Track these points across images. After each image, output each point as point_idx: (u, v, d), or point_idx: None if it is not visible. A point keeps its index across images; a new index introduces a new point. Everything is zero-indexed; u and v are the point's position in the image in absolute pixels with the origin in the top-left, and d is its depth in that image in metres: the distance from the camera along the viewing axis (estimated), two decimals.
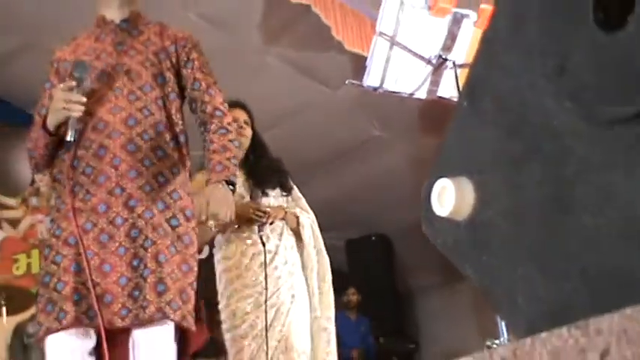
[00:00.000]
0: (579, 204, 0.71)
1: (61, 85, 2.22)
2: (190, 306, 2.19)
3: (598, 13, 0.69)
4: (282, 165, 3.35)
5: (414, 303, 8.36)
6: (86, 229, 2.18)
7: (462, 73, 3.03)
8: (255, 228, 3.12)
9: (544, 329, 0.62)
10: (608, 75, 0.67)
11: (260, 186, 3.20)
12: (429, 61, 3.05)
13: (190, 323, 2.18)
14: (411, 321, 8.21)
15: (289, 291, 3.09)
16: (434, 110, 4.69)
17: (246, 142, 3.29)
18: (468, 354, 0.70)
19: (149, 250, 2.16)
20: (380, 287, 7.62)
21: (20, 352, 4.87)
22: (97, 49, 2.37)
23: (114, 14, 2.40)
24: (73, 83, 2.19)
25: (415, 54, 3.01)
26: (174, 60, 2.38)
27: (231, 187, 2.25)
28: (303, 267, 3.21)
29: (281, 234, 3.17)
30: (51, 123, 2.24)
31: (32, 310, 4.59)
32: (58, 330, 2.13)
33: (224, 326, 3.13)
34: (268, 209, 3.13)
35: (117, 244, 2.16)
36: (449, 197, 0.82)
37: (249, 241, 3.13)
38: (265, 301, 2.99)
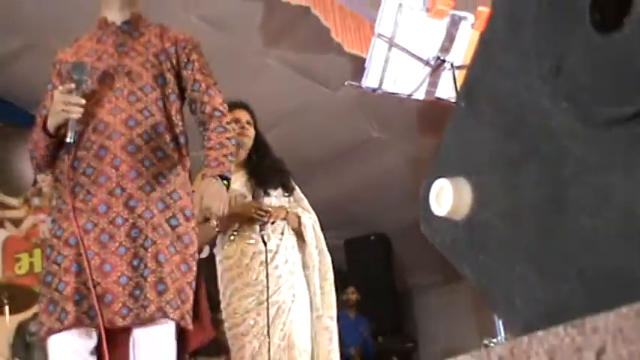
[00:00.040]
0: (576, 205, 0.71)
1: (60, 88, 2.23)
2: (189, 305, 2.19)
3: (594, 15, 0.69)
4: (284, 165, 3.34)
5: (412, 302, 8.36)
6: (87, 229, 2.18)
7: (460, 75, 3.03)
8: (257, 227, 3.11)
9: (541, 328, 0.62)
10: (605, 76, 0.67)
11: (262, 186, 3.20)
12: (427, 63, 3.05)
13: (188, 322, 2.19)
14: (410, 320, 8.22)
15: (290, 290, 3.09)
16: (432, 111, 4.69)
17: (249, 142, 3.29)
18: (466, 353, 0.70)
19: (149, 249, 2.16)
20: (379, 286, 7.62)
21: (22, 351, 4.87)
22: (98, 51, 2.37)
23: (115, 16, 2.41)
24: (72, 86, 2.20)
25: (413, 55, 3.01)
26: (174, 61, 2.38)
27: (225, 182, 2.25)
28: (305, 266, 3.21)
29: (282, 233, 3.17)
30: (51, 125, 2.24)
31: (35, 309, 4.59)
32: (60, 330, 2.13)
33: (226, 325, 3.14)
34: (270, 209, 3.13)
35: (117, 243, 2.16)
36: (447, 197, 0.82)
37: (250, 241, 3.13)
38: (267, 299, 2.99)
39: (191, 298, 2.21)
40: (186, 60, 2.39)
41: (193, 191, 2.36)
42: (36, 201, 6.32)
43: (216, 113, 2.35)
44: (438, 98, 3.15)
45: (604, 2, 0.69)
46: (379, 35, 2.95)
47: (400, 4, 2.92)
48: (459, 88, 2.93)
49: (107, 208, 2.19)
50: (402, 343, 7.63)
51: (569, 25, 0.71)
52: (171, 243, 2.20)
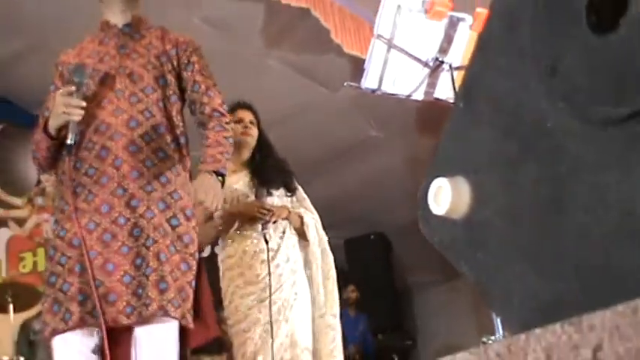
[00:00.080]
0: (573, 203, 0.71)
1: (61, 90, 2.23)
2: (189, 304, 2.20)
3: (591, 16, 0.69)
4: (287, 165, 3.34)
5: (412, 300, 8.36)
6: (89, 229, 2.18)
7: (459, 75, 3.03)
8: (259, 226, 3.11)
9: (538, 325, 0.62)
10: (601, 77, 0.67)
11: (265, 185, 3.20)
12: (425, 64, 3.05)
13: (189, 321, 2.19)
14: (409, 318, 8.22)
15: (292, 288, 3.09)
16: (431, 111, 4.69)
17: (252, 141, 3.29)
18: (465, 350, 0.70)
19: (151, 248, 2.16)
20: (378, 285, 7.62)
21: (26, 349, 4.87)
22: (100, 52, 2.38)
23: (117, 19, 2.41)
24: (73, 88, 2.20)
25: (412, 56, 3.01)
26: (175, 63, 2.39)
27: (220, 178, 2.25)
28: (308, 265, 3.20)
29: (283, 233, 3.16)
30: (52, 126, 2.25)
31: (38, 307, 4.59)
32: (64, 331, 2.14)
33: (229, 322, 3.14)
34: (272, 208, 3.13)
35: (120, 243, 2.17)
36: (445, 196, 0.82)
37: (251, 240, 3.12)
38: (270, 296, 2.99)
39: (191, 296, 2.21)
40: (186, 62, 2.39)
41: None
42: (39, 201, 6.32)
43: (216, 114, 2.36)
44: (437, 99, 3.15)
45: (600, 4, 0.69)
46: (378, 36, 2.95)
47: (399, 6, 2.92)
48: (457, 89, 2.93)
49: (109, 208, 2.19)
50: (401, 341, 7.63)
51: (565, 26, 0.71)
52: (171, 242, 2.20)
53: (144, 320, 2.14)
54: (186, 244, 2.25)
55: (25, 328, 5.03)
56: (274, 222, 3.12)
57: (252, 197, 3.19)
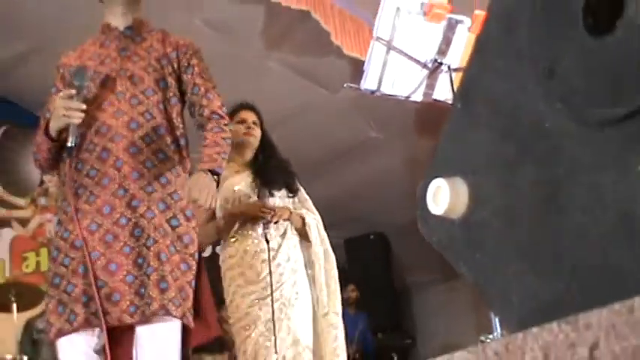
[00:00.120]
0: (570, 203, 0.71)
1: (61, 94, 2.24)
2: (189, 303, 2.20)
3: (587, 19, 0.69)
4: (289, 166, 3.34)
5: (411, 299, 8.36)
6: (91, 230, 2.19)
7: (457, 77, 3.03)
8: (260, 226, 3.11)
9: (535, 324, 0.62)
10: (597, 78, 0.67)
11: (266, 186, 3.19)
12: (424, 65, 3.05)
13: (190, 320, 2.20)
14: (408, 317, 8.22)
15: (293, 287, 3.08)
16: (429, 112, 4.68)
17: (255, 141, 3.29)
18: (463, 349, 0.70)
19: (151, 248, 2.17)
20: (378, 284, 7.62)
21: (30, 347, 4.87)
22: (101, 55, 2.38)
23: (118, 22, 2.42)
24: (73, 92, 2.21)
25: (411, 58, 3.01)
26: (175, 66, 2.39)
27: (215, 177, 2.25)
28: (310, 265, 3.20)
29: (284, 233, 3.16)
30: (52, 129, 2.25)
31: (41, 307, 4.59)
32: (69, 332, 2.15)
33: (230, 321, 3.14)
34: (274, 208, 3.13)
35: (122, 243, 2.17)
36: (444, 197, 0.82)
37: (252, 239, 3.12)
38: (271, 293, 2.99)
39: (191, 296, 2.22)
40: (186, 64, 2.40)
41: None
42: (42, 201, 6.32)
43: (214, 116, 2.36)
44: (436, 100, 3.15)
45: (597, 6, 0.69)
46: (378, 38, 2.95)
47: (398, 8, 2.92)
48: (455, 90, 2.93)
49: (111, 209, 2.20)
50: (400, 340, 7.62)
51: (562, 28, 0.71)
52: (171, 243, 2.21)
53: (146, 319, 2.14)
54: (186, 244, 2.25)
55: (28, 327, 5.04)
56: (275, 222, 3.12)
57: (254, 198, 3.18)
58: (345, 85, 3.26)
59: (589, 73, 0.68)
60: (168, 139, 2.32)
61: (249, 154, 3.28)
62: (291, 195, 3.27)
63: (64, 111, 2.19)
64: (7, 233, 6.13)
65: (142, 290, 2.13)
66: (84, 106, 2.20)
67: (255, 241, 3.11)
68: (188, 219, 2.28)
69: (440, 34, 3.02)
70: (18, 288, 4.54)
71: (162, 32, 2.46)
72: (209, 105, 2.37)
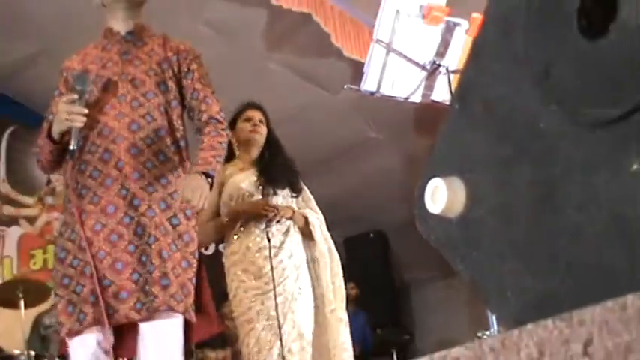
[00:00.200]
0: (565, 202, 0.71)
1: (64, 98, 2.24)
2: (191, 299, 2.22)
3: (581, 21, 0.69)
4: (294, 165, 3.33)
5: (409, 296, 8.36)
6: (96, 230, 2.20)
7: (455, 78, 3.03)
8: (262, 224, 3.11)
9: (531, 321, 0.62)
10: (591, 80, 0.67)
11: (270, 185, 3.19)
12: (423, 67, 3.04)
13: (192, 315, 2.21)
14: (407, 313, 8.22)
15: (296, 282, 3.08)
16: (428, 113, 4.68)
17: (261, 139, 3.28)
18: (460, 344, 0.70)
19: (153, 246, 2.18)
20: (377, 282, 7.62)
21: (38, 343, 4.87)
22: (103, 59, 2.39)
23: (120, 26, 2.43)
24: (75, 96, 2.21)
25: (410, 60, 3.01)
26: (175, 70, 2.40)
27: (209, 180, 2.25)
28: (315, 263, 3.19)
29: (287, 231, 3.16)
30: (55, 132, 2.26)
31: (49, 303, 4.60)
32: (79, 331, 2.16)
33: (234, 315, 3.14)
34: (277, 207, 3.12)
35: (126, 242, 2.18)
36: (441, 196, 0.82)
37: (254, 236, 3.12)
38: (273, 288, 2.98)
39: (192, 292, 2.23)
40: (186, 69, 2.40)
41: None
42: (50, 200, 6.33)
43: (212, 121, 2.37)
44: (434, 101, 3.15)
45: (591, 9, 0.69)
46: (377, 41, 2.95)
47: (397, 11, 2.92)
48: (453, 92, 2.93)
49: (115, 209, 2.21)
50: (399, 336, 7.62)
51: (557, 31, 0.71)
52: (172, 241, 2.22)
53: (150, 316, 2.15)
54: (187, 242, 2.26)
55: (36, 323, 5.04)
56: (278, 221, 3.12)
57: (257, 196, 3.18)
58: (345, 87, 3.26)
59: (583, 75, 0.68)
60: (169, 141, 2.32)
61: (255, 152, 3.28)
62: (294, 194, 3.27)
63: (67, 115, 2.19)
64: (15, 231, 6.14)
65: (147, 287, 2.14)
66: (86, 111, 2.21)
67: (258, 238, 3.11)
68: (188, 218, 2.29)
69: (438, 37, 3.02)
70: (26, 284, 4.54)
71: (164, 37, 2.47)
72: (207, 110, 2.37)
